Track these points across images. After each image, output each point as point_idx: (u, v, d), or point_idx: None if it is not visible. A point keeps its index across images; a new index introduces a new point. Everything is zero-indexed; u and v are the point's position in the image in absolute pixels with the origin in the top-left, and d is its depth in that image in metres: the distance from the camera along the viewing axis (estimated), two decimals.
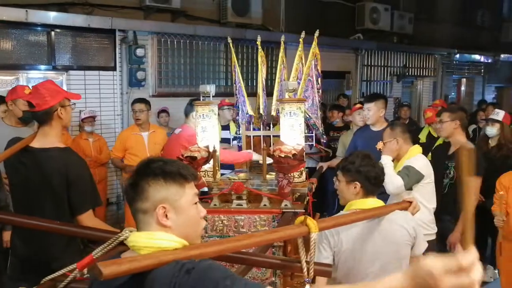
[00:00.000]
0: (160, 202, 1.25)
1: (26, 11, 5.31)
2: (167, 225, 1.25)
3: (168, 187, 1.27)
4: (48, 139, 2.35)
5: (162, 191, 1.26)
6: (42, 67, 5.79)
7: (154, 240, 1.22)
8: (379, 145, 3.65)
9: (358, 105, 5.42)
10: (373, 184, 2.19)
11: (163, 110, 6.14)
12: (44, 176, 2.28)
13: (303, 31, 3.52)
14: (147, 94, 6.45)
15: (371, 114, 4.06)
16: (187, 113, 4.27)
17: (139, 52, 6.08)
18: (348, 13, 9.08)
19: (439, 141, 4.51)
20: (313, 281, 1.51)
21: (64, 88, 5.89)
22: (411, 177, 3.08)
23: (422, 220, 2.94)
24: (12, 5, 5.28)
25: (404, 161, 3.17)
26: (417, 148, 3.26)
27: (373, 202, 2.16)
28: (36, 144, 2.35)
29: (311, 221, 1.50)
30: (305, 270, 1.48)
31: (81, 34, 5.92)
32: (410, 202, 2.14)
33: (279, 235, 1.49)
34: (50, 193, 2.29)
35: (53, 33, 5.72)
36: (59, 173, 2.27)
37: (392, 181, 3.02)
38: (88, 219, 2.31)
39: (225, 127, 5.42)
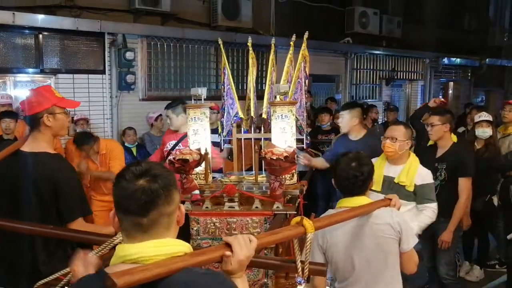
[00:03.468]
0: (178, 201, 1.26)
1: (13, 13, 5.24)
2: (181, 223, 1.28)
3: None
4: (38, 144, 2.31)
5: (177, 192, 1.26)
6: (30, 70, 5.73)
7: (163, 247, 1.18)
8: None
9: None
10: (345, 185, 2.22)
11: (161, 114, 6.05)
12: (32, 180, 2.24)
13: (294, 34, 3.53)
14: (137, 97, 6.42)
15: (344, 122, 3.98)
16: None
17: (129, 55, 6.04)
18: (338, 17, 9.14)
19: (430, 143, 4.54)
20: (307, 280, 1.52)
21: None
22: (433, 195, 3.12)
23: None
24: None
25: (415, 175, 3.07)
26: (416, 157, 3.21)
27: (359, 200, 2.18)
28: (26, 148, 2.32)
29: (307, 222, 1.53)
30: (299, 269, 1.49)
31: (69, 37, 5.87)
32: (390, 200, 2.19)
33: (280, 236, 1.51)
34: (37, 198, 2.25)
35: (40, 36, 5.66)
36: (47, 179, 2.24)
37: (431, 217, 3.08)
38: (79, 227, 2.27)
39: (214, 131, 5.39)
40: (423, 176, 3.07)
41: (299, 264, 1.49)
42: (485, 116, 4.31)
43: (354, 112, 3.96)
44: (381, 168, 3.13)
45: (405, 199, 2.96)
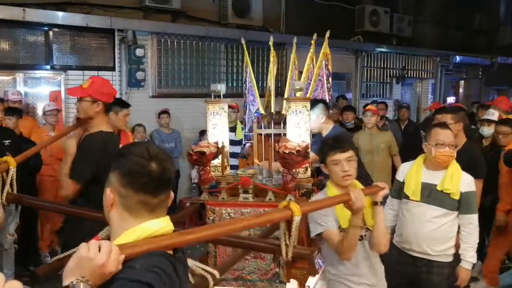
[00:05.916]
0: None
1: (24, 9, 5.25)
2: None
3: None
4: (109, 126, 2.63)
5: None
6: (40, 67, 5.74)
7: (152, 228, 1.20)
8: None
9: (369, 107, 5.40)
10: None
11: (164, 111, 6.09)
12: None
13: (315, 34, 3.70)
14: (146, 94, 6.41)
15: (312, 123, 3.52)
16: None
17: (139, 52, 6.03)
18: (348, 16, 9.10)
19: None
20: (293, 261, 1.61)
21: (62, 88, 5.87)
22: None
23: None
24: (9, 3, 5.22)
25: (460, 182, 2.69)
26: (457, 163, 2.81)
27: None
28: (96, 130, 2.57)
29: (294, 205, 1.55)
30: (284, 252, 1.60)
31: (79, 33, 5.87)
32: (382, 188, 2.13)
33: (265, 219, 1.57)
34: None
35: (51, 32, 5.67)
36: None
37: (477, 233, 2.74)
38: None
39: (231, 129, 5.30)
40: (467, 182, 2.73)
41: (283, 247, 1.59)
42: (488, 114, 4.32)
43: (317, 110, 3.64)
44: (419, 175, 2.77)
45: (449, 208, 2.67)
